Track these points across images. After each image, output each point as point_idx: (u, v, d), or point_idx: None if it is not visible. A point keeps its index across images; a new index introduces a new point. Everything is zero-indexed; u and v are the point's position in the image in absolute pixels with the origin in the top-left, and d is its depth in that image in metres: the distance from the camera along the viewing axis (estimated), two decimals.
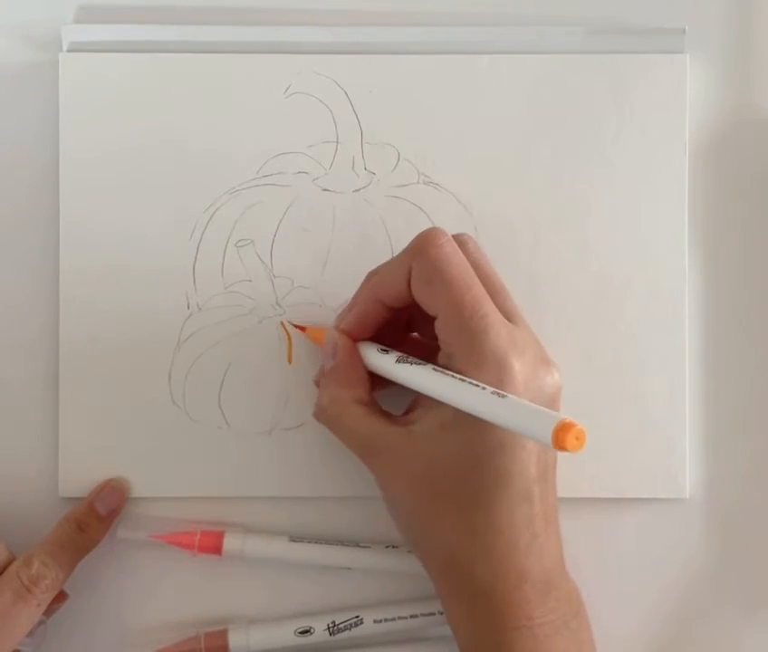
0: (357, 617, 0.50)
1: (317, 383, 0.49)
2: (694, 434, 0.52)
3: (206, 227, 0.51)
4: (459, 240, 0.46)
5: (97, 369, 0.51)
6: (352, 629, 0.50)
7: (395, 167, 0.52)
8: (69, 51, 0.52)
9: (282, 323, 0.51)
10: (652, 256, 0.52)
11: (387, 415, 0.47)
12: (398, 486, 0.45)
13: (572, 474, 0.51)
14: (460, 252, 0.45)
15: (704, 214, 0.53)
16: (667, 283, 0.52)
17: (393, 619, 0.51)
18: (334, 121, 0.52)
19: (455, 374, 0.43)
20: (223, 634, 0.50)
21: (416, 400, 0.47)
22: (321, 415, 0.48)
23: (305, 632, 0.50)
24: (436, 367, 0.44)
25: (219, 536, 0.50)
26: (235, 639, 0.50)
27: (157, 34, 0.52)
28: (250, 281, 0.52)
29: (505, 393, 0.41)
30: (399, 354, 0.46)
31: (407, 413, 0.47)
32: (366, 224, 0.52)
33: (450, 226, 0.51)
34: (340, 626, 0.50)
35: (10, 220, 0.52)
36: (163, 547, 0.51)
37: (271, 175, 0.52)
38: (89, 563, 0.50)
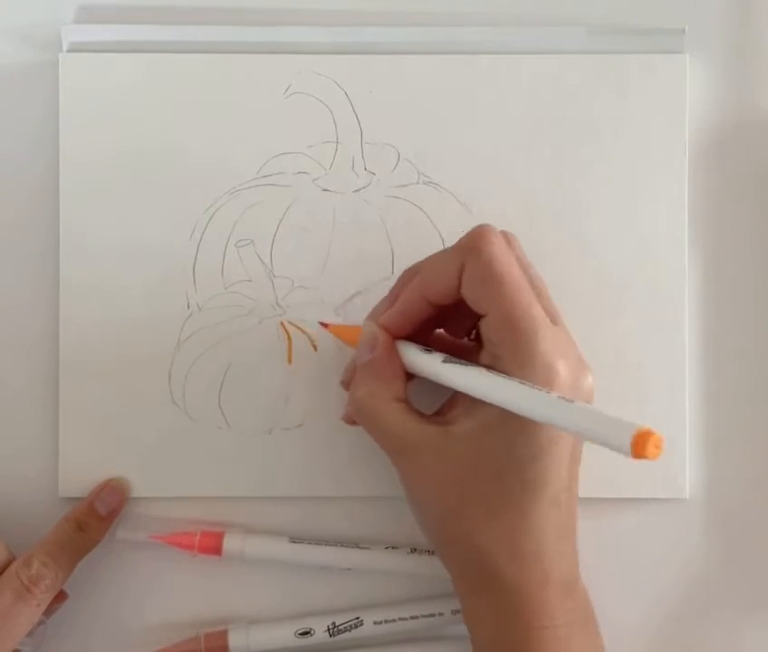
0: (357, 618, 0.50)
1: (345, 384, 0.49)
2: (694, 434, 0.52)
3: (206, 227, 0.51)
4: (506, 238, 0.46)
5: (97, 369, 0.51)
6: (352, 631, 0.50)
7: (395, 168, 0.52)
8: (69, 51, 0.52)
9: (282, 323, 0.51)
10: (652, 256, 0.52)
11: (421, 414, 0.46)
12: (431, 486, 0.45)
13: None
14: (511, 250, 0.45)
15: (704, 213, 0.53)
16: (667, 283, 0.52)
17: (393, 621, 0.50)
18: (334, 121, 0.52)
19: (514, 378, 0.43)
20: (223, 634, 0.50)
21: (452, 400, 0.46)
22: (358, 409, 0.47)
23: (305, 633, 0.50)
24: (485, 368, 0.44)
25: (219, 536, 0.50)
26: (235, 640, 0.50)
27: (157, 35, 0.52)
28: (250, 281, 0.52)
29: (572, 400, 0.41)
30: (444, 355, 0.45)
31: (441, 413, 0.47)
32: (366, 224, 0.52)
33: (450, 227, 0.51)
34: (341, 627, 0.50)
35: (10, 221, 0.52)
36: (163, 547, 0.51)
37: (271, 175, 0.52)
38: (89, 563, 0.50)
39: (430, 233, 0.52)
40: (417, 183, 0.52)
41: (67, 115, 0.51)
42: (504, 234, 0.46)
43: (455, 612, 0.51)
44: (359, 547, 0.51)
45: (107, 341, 0.51)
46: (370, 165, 0.52)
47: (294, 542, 0.50)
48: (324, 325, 0.51)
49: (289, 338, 0.51)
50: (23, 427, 0.52)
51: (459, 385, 0.44)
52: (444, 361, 0.45)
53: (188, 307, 0.51)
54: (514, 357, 0.43)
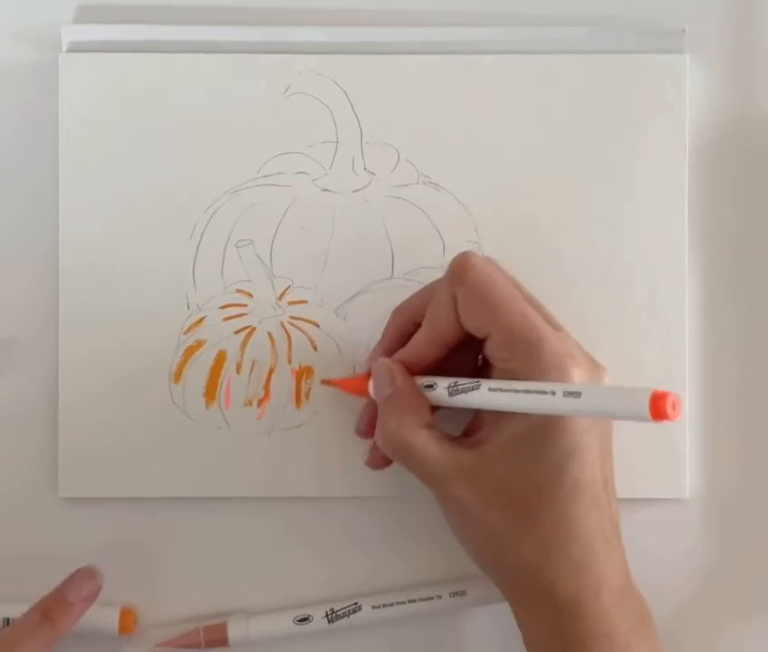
0: (355, 604, 0.50)
1: (362, 432, 0.49)
2: (694, 434, 0.52)
3: (205, 227, 0.51)
4: (488, 259, 0.47)
5: (97, 369, 0.51)
6: (350, 616, 0.50)
7: (395, 168, 0.52)
8: (68, 51, 0.52)
9: (281, 323, 0.51)
10: (652, 255, 0.52)
11: (453, 438, 0.46)
12: (475, 509, 0.44)
13: None
14: (497, 268, 0.45)
15: (704, 214, 0.52)
16: (667, 283, 0.52)
17: (391, 604, 0.51)
18: (334, 121, 0.52)
19: (517, 382, 0.43)
20: (222, 627, 0.50)
21: (476, 419, 0.46)
22: (391, 444, 0.46)
23: (304, 620, 0.50)
24: (487, 380, 0.44)
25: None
26: (234, 631, 0.50)
27: (156, 34, 0.52)
28: (250, 281, 0.52)
29: (579, 386, 0.41)
30: (449, 381, 0.46)
31: (469, 433, 0.47)
32: (366, 224, 0.52)
33: (450, 227, 0.51)
34: (339, 613, 0.50)
35: (10, 220, 0.52)
36: None
37: (271, 175, 0.52)
38: None
39: (430, 233, 0.52)
40: (417, 183, 0.52)
41: (67, 115, 0.51)
42: (485, 257, 0.47)
43: (453, 594, 0.51)
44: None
45: (106, 341, 0.51)
46: (370, 165, 0.52)
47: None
48: (327, 382, 0.51)
49: (289, 338, 0.51)
50: (22, 427, 0.51)
51: (473, 406, 0.45)
52: (450, 394, 0.45)
53: (188, 307, 0.51)
54: (525, 369, 0.43)
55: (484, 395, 0.44)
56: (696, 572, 0.52)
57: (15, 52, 0.52)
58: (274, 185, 0.52)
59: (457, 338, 0.46)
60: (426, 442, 0.45)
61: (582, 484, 0.43)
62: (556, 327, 0.46)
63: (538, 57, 0.52)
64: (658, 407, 0.38)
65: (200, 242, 0.51)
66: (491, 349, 0.45)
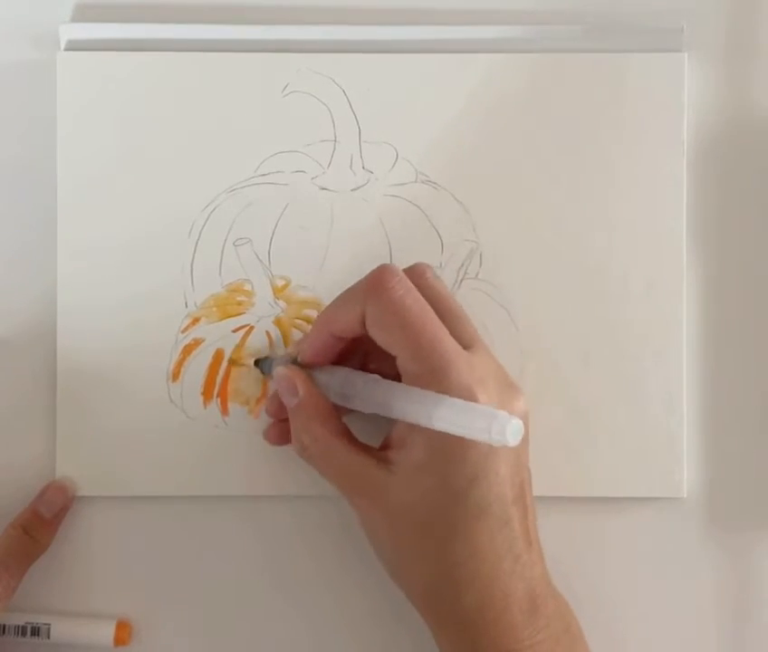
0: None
1: (269, 412, 0.50)
2: (691, 433, 0.52)
3: (203, 226, 0.51)
4: (416, 272, 0.47)
5: (95, 367, 0.51)
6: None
7: (393, 166, 0.52)
8: (67, 49, 0.52)
9: (279, 322, 0.51)
10: (650, 254, 0.52)
11: (366, 449, 0.46)
12: (383, 524, 0.46)
13: (569, 473, 0.51)
14: (413, 289, 0.45)
15: (702, 212, 0.52)
16: (665, 282, 0.52)
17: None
18: (332, 120, 0.52)
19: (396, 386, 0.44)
20: None
21: (390, 438, 0.46)
22: (306, 455, 0.47)
23: None
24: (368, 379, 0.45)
25: None
26: None
27: (154, 33, 0.52)
28: (248, 279, 0.52)
29: (445, 395, 0.42)
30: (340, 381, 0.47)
31: (384, 448, 0.46)
32: (364, 222, 0.52)
33: (448, 225, 0.51)
34: None
35: (8, 219, 0.52)
36: None
37: (269, 174, 0.52)
38: None
39: (428, 231, 0.52)
40: (415, 182, 0.52)
41: (65, 113, 0.51)
42: (415, 268, 0.47)
43: None
44: None
45: (105, 339, 0.51)
46: (368, 163, 0.52)
47: None
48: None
49: (287, 336, 0.51)
50: (20, 425, 0.51)
51: (355, 407, 0.46)
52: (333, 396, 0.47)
53: (186, 305, 0.51)
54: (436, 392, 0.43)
55: (364, 394, 0.45)
56: (693, 572, 0.52)
57: (13, 51, 0.52)
58: (272, 183, 0.52)
59: (355, 335, 0.46)
60: (340, 453, 0.46)
61: (488, 505, 0.44)
62: (473, 345, 0.46)
63: (536, 56, 0.52)
64: (500, 432, 0.39)
65: (198, 240, 0.51)
66: (400, 369, 0.45)
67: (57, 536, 0.51)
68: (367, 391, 0.45)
